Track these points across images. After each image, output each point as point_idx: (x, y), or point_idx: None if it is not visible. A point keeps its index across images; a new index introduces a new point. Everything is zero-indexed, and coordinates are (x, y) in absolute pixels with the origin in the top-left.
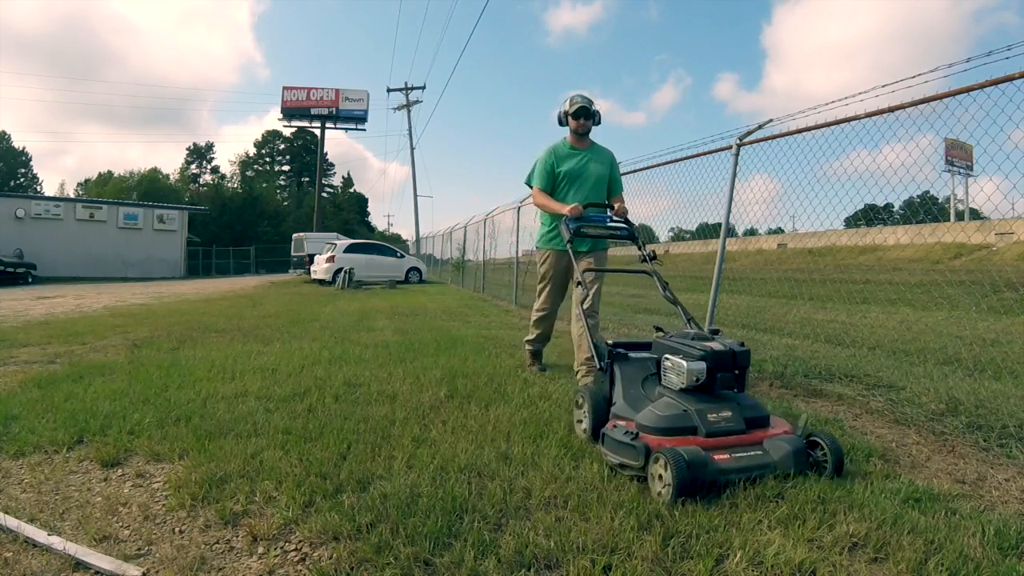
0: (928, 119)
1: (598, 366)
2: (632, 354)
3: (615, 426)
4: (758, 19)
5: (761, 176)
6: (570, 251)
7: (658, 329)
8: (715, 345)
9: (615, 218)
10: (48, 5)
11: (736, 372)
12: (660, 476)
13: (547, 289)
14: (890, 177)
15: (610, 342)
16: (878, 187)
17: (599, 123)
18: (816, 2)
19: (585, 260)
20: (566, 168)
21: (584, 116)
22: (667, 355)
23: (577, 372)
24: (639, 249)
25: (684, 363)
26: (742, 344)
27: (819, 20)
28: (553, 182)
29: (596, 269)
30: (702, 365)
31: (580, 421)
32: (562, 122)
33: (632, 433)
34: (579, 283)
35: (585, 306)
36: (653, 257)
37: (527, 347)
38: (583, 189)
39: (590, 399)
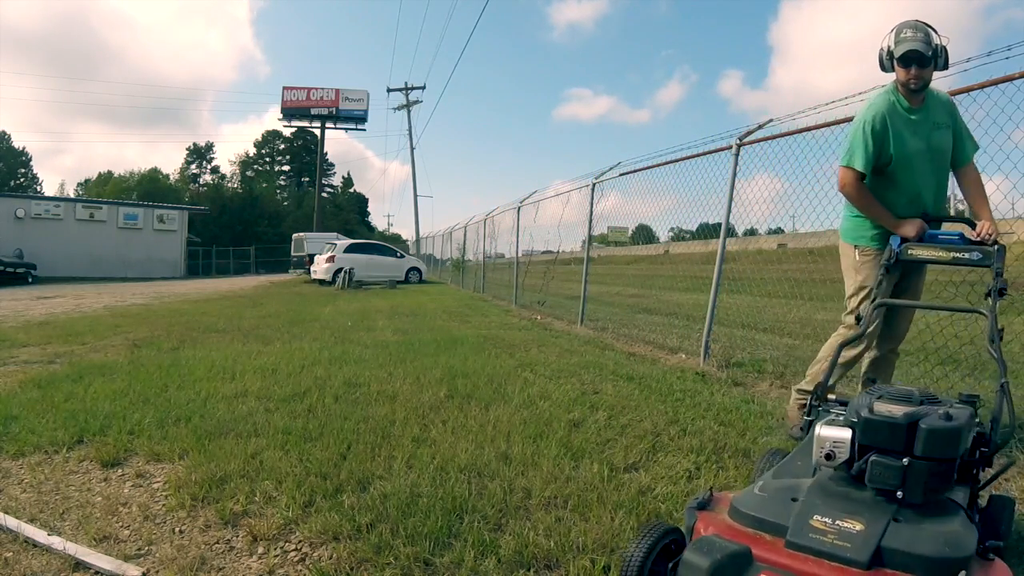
0: None
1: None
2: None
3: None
4: (765, 15)
5: (762, 176)
6: (883, 273)
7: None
8: (879, 408)
9: (972, 240)
10: (46, 2)
11: (909, 462)
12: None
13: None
14: None
15: (834, 398)
16: None
17: (946, 66)
18: None
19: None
20: (901, 147)
21: (918, 64)
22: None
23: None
24: (991, 271)
25: (820, 428)
26: (948, 416)
27: (826, 16)
28: (875, 162)
29: (903, 303)
30: (841, 435)
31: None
32: (885, 66)
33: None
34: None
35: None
36: (1002, 291)
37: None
38: (924, 177)
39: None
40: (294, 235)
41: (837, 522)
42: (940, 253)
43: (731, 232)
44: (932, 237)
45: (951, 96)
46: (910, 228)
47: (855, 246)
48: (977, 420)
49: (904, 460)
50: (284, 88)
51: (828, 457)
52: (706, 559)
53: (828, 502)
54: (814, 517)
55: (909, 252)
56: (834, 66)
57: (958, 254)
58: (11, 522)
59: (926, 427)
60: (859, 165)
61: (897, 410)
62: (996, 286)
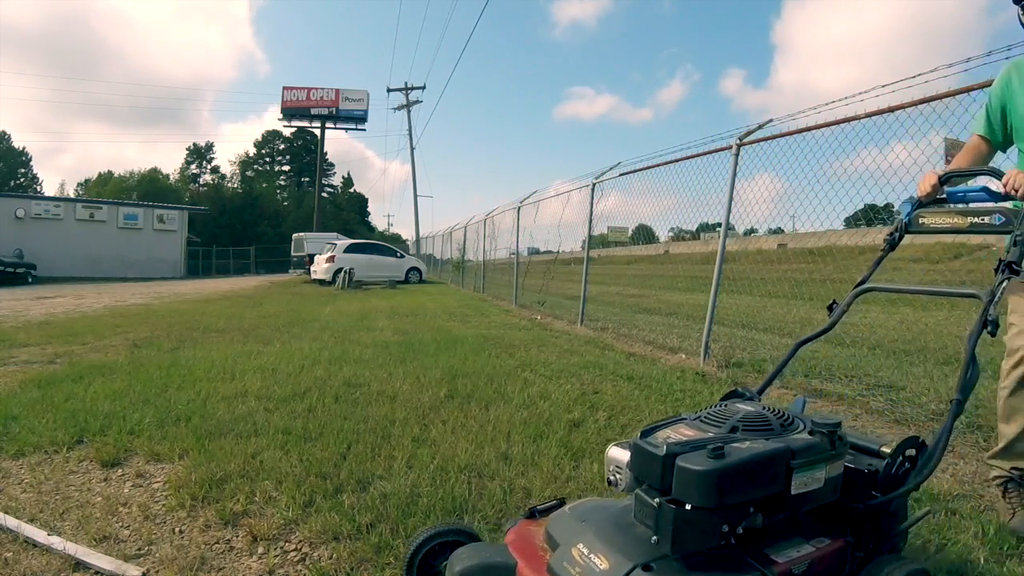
0: (928, 119)
1: None
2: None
3: None
4: (768, 14)
5: (762, 176)
6: (886, 250)
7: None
8: (659, 433)
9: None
10: (45, 1)
11: (660, 501)
12: None
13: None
14: (890, 177)
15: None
16: (878, 187)
17: None
18: None
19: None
20: (1020, 107)
21: None
22: None
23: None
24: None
25: (609, 448)
26: (717, 451)
27: (829, 15)
28: (1005, 128)
29: (889, 288)
30: (622, 458)
31: None
32: None
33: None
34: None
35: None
36: (1013, 267)
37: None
38: None
39: None
40: (294, 235)
41: (592, 555)
42: (956, 220)
43: (731, 232)
44: (956, 197)
45: (953, 96)
46: (920, 184)
47: None
48: (885, 450)
49: (655, 500)
50: (284, 88)
51: (610, 483)
52: (460, 564)
53: (604, 532)
54: (578, 545)
55: (921, 221)
56: (836, 65)
57: (976, 218)
58: (11, 522)
59: (680, 465)
60: (973, 125)
61: (676, 436)
62: (1007, 259)
